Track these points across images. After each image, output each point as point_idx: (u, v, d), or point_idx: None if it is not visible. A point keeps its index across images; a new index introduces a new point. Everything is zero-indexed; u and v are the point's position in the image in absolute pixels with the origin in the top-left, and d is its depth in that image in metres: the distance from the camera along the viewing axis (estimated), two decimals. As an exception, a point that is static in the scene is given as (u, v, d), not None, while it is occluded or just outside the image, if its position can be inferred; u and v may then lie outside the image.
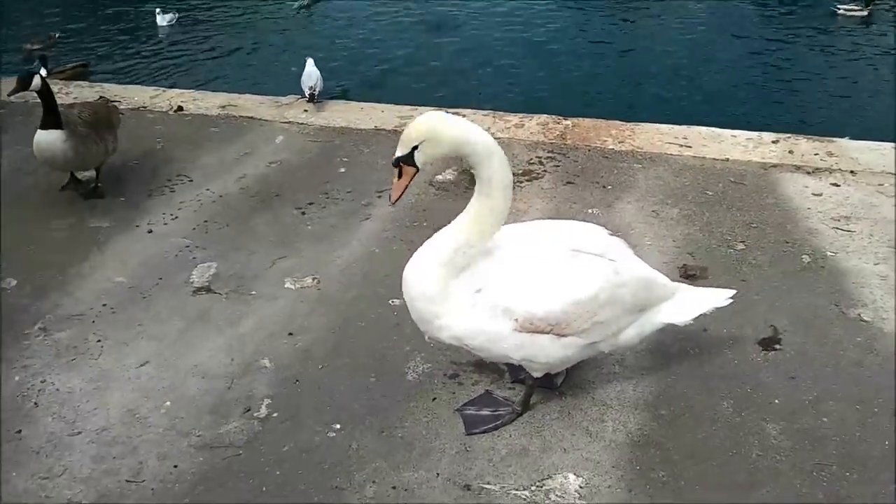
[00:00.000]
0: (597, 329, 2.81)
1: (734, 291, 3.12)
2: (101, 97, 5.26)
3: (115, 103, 5.14)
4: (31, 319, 3.73)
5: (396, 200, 2.71)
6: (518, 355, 2.82)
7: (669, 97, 8.94)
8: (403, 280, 2.82)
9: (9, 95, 4.29)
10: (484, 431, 3.03)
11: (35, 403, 3.22)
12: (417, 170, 2.65)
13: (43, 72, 6.49)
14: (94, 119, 4.61)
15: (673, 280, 3.84)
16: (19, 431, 3.08)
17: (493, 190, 2.65)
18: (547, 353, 2.80)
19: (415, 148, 2.59)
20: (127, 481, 2.85)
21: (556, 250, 2.80)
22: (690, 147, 5.37)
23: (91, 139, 4.54)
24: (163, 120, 6.04)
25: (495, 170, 2.63)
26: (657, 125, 5.74)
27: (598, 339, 2.86)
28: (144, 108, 6.25)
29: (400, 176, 2.65)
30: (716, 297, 3.09)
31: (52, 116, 4.39)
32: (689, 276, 3.95)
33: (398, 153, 2.62)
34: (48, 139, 4.39)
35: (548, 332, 2.74)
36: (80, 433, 3.07)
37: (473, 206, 2.72)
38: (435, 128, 2.58)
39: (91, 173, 4.91)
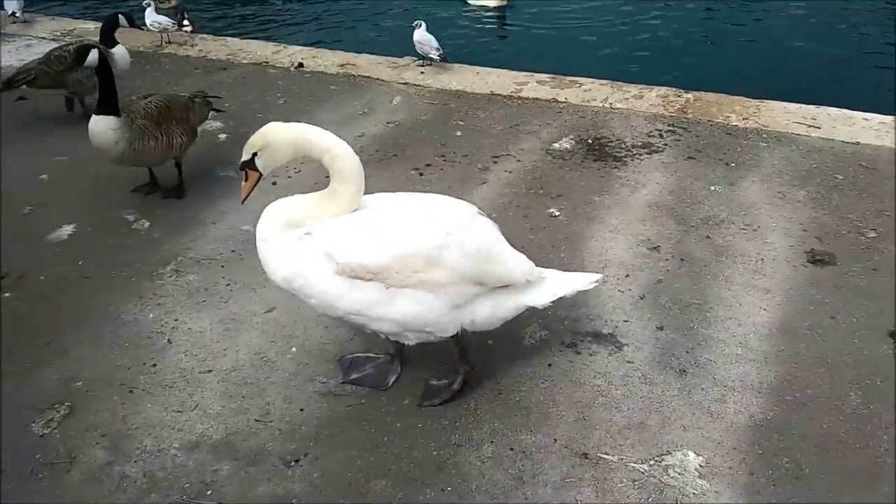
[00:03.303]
0: (427, 288, 2.75)
1: (600, 276, 3.11)
2: (198, 91, 4.78)
3: (213, 99, 4.73)
4: (163, 260, 3.92)
5: (244, 200, 2.98)
6: (343, 305, 2.76)
7: (794, 74, 8.49)
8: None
9: (62, 71, 4.02)
10: (354, 382, 3.13)
11: (168, 340, 3.40)
12: (261, 175, 2.88)
13: (184, 24, 6.88)
14: (159, 112, 4.15)
15: (801, 266, 3.78)
16: (154, 365, 3.26)
17: (344, 178, 2.80)
18: (379, 307, 2.75)
19: (255, 154, 2.82)
20: (255, 420, 2.98)
21: (403, 212, 2.88)
22: (819, 128, 5.14)
23: (149, 134, 4.09)
24: (284, 76, 6.18)
25: (339, 157, 2.80)
26: (784, 103, 5.51)
27: (446, 301, 2.78)
28: (266, 63, 6.41)
29: (246, 179, 2.90)
30: (579, 281, 3.06)
31: (108, 99, 3.98)
32: (817, 261, 3.81)
33: (242, 158, 2.86)
34: (100, 126, 3.97)
35: (369, 280, 2.71)
36: (210, 371, 3.23)
37: (330, 188, 2.84)
38: (269, 135, 2.80)
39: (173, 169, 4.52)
